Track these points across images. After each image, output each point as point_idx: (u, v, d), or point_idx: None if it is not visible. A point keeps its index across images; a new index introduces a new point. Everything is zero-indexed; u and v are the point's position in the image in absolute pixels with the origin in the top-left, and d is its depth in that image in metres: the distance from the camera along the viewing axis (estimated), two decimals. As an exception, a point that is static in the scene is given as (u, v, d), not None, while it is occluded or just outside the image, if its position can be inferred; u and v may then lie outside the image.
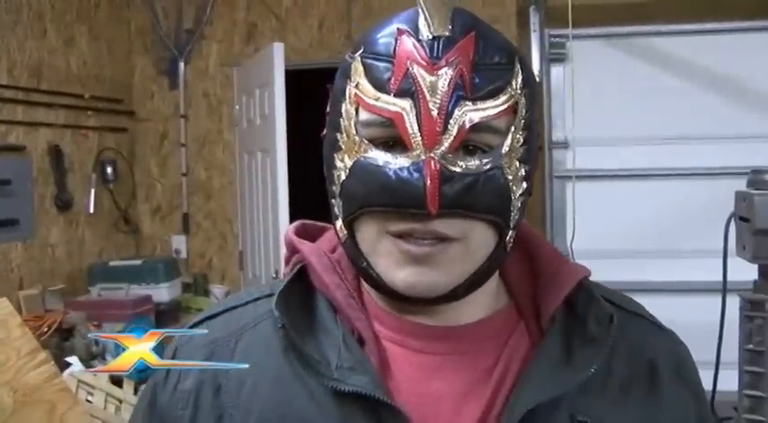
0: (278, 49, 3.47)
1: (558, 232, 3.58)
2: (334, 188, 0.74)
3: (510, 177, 0.70)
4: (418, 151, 0.68)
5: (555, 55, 3.63)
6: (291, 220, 3.38)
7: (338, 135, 0.73)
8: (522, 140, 0.72)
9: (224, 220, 4.29)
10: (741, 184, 1.83)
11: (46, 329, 2.94)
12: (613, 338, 0.75)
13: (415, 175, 0.67)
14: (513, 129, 0.71)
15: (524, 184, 0.73)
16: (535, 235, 0.82)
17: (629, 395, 0.76)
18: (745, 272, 1.79)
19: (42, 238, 3.55)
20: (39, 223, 3.53)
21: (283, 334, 0.74)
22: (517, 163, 0.71)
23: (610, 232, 3.49)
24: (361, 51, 0.72)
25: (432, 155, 0.67)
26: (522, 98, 0.71)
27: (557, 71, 3.69)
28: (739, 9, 3.39)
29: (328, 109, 0.76)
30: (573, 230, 3.17)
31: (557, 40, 3.58)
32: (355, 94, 0.71)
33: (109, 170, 3.97)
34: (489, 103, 0.69)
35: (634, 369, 0.77)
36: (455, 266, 0.71)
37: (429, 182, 0.66)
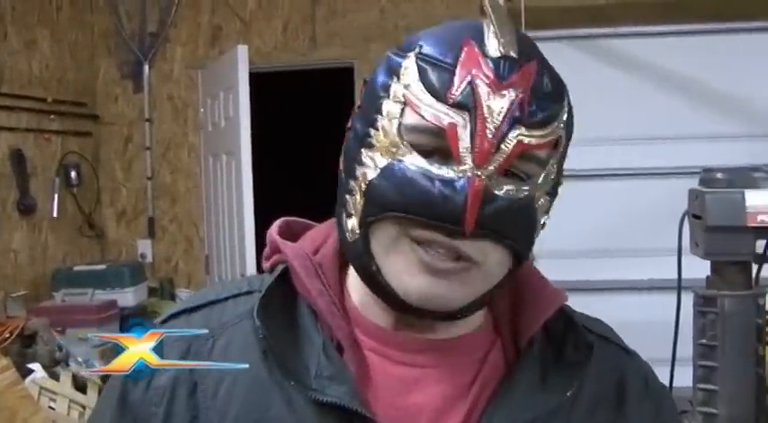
0: (242, 52, 3.48)
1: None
2: (353, 183, 0.71)
3: (536, 207, 0.70)
4: (465, 167, 0.66)
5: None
6: (257, 222, 3.40)
7: (371, 131, 0.70)
8: (554, 174, 0.72)
9: (190, 224, 4.27)
10: (694, 183, 1.88)
11: (8, 336, 2.91)
12: (589, 365, 0.76)
13: (459, 190, 0.66)
14: (551, 162, 0.70)
15: (545, 216, 0.73)
16: None
17: (595, 415, 0.76)
18: (698, 269, 1.84)
19: (4, 243, 3.51)
20: (1, 228, 3.49)
21: (264, 340, 0.73)
22: (545, 195, 0.71)
23: (566, 232, 3.51)
24: (416, 51, 0.69)
25: (478, 173, 0.66)
26: (563, 134, 0.71)
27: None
28: (695, 12, 3.47)
29: (360, 102, 0.73)
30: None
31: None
32: (404, 94, 0.68)
33: (73, 174, 3.94)
34: (539, 131, 0.68)
35: (602, 390, 0.78)
36: (470, 286, 0.70)
37: (471, 200, 0.65)
